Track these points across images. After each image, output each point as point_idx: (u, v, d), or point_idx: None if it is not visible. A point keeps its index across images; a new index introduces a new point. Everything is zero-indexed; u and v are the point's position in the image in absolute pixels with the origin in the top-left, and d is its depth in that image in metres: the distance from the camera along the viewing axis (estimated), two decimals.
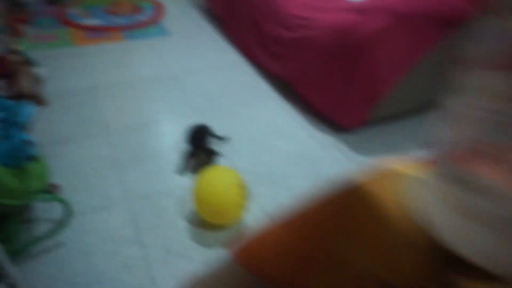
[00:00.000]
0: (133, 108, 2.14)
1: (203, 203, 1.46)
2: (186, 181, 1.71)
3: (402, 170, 0.47)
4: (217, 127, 2.04)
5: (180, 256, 1.39)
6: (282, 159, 1.91)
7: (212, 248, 1.44)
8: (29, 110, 1.28)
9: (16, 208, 1.38)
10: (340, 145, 2.05)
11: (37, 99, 2.04)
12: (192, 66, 2.65)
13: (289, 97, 2.40)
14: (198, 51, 2.86)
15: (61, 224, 1.36)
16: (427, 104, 2.40)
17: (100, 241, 1.40)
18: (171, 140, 1.94)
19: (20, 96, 1.99)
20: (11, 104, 1.28)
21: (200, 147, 1.78)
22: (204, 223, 1.53)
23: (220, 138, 1.97)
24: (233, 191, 1.45)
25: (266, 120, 2.18)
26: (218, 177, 1.50)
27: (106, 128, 1.96)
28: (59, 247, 1.36)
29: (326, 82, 2.06)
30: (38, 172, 1.28)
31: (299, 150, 1.98)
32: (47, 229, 1.41)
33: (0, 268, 1.13)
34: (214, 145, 1.88)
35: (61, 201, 1.31)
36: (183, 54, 2.80)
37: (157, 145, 1.90)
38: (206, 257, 1.40)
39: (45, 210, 1.49)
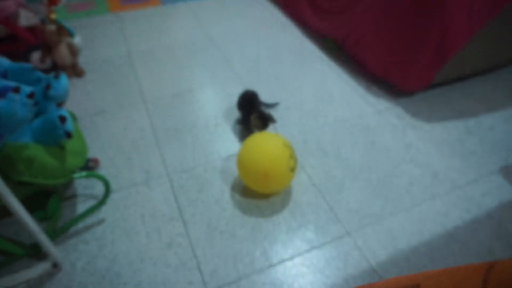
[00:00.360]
0: (171, 76, 2.04)
1: (249, 167, 1.34)
2: (229, 152, 1.60)
3: None
4: (262, 94, 1.89)
5: (224, 233, 1.31)
6: (333, 126, 1.74)
7: (257, 223, 1.33)
8: (65, 83, 1.20)
9: (56, 187, 1.35)
10: (397, 110, 1.84)
11: (74, 70, 1.99)
12: (233, 29, 2.48)
13: (340, 59, 2.18)
14: (238, 12, 2.67)
15: (100, 202, 1.31)
16: (502, 63, 2.10)
17: (141, 218, 1.35)
18: (213, 109, 1.83)
19: (56, 68, 1.95)
20: (46, 77, 1.20)
21: (254, 112, 1.61)
22: (248, 195, 1.42)
23: (270, 105, 1.83)
24: (282, 151, 1.32)
25: (315, 85, 1.99)
26: (265, 140, 1.38)
27: (144, 98, 1.88)
28: (100, 224, 1.32)
29: (386, 40, 1.82)
30: (77, 149, 1.21)
31: (351, 117, 1.79)
32: (87, 206, 1.37)
33: (42, 247, 1.10)
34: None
35: (100, 178, 1.25)
36: (222, 16, 2.62)
37: (198, 115, 1.79)
38: (250, 234, 1.30)
39: (86, 187, 1.45)
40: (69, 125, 1.09)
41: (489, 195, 1.44)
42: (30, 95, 1.00)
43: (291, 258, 1.24)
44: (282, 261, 1.23)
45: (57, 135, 1.09)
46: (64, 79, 1.19)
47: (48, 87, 1.14)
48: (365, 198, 1.43)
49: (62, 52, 1.90)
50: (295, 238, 1.30)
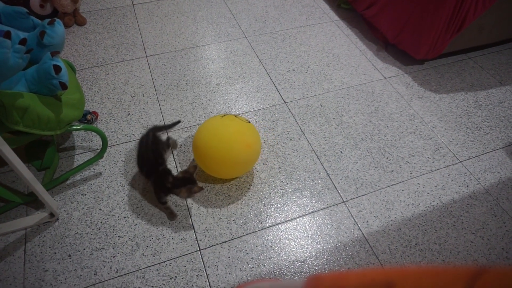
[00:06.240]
0: (175, 31, 1.97)
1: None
2: (230, 113, 1.57)
3: None
4: (267, 53, 1.83)
5: (219, 194, 1.31)
6: (337, 92, 1.69)
7: (254, 185, 1.33)
8: (60, 30, 1.15)
9: (53, 138, 1.34)
10: (405, 78, 1.78)
11: (75, 18, 1.92)
12: None
13: (352, 22, 2.09)
14: None
15: (97, 156, 1.30)
16: None
17: (139, 174, 1.35)
18: (216, 67, 1.78)
19: (56, 15, 1.88)
20: (42, 24, 1.15)
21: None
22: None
23: (171, 126, 1.45)
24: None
25: (323, 48, 1.92)
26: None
27: (146, 52, 1.83)
28: (97, 177, 1.33)
29: (403, 4, 1.72)
30: (74, 101, 1.19)
31: (358, 83, 1.74)
32: (85, 158, 1.37)
33: (37, 196, 1.11)
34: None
35: (97, 131, 1.23)
36: None
37: (200, 73, 1.75)
38: (246, 196, 1.30)
39: (84, 139, 1.44)
40: (64, 75, 1.06)
41: (490, 171, 1.42)
42: (22, 41, 0.96)
43: (284, 221, 1.25)
44: (275, 224, 1.24)
45: (51, 85, 1.06)
46: (59, 27, 1.14)
47: (42, 34, 1.10)
48: (364, 168, 1.41)
49: None
50: (290, 202, 1.30)
